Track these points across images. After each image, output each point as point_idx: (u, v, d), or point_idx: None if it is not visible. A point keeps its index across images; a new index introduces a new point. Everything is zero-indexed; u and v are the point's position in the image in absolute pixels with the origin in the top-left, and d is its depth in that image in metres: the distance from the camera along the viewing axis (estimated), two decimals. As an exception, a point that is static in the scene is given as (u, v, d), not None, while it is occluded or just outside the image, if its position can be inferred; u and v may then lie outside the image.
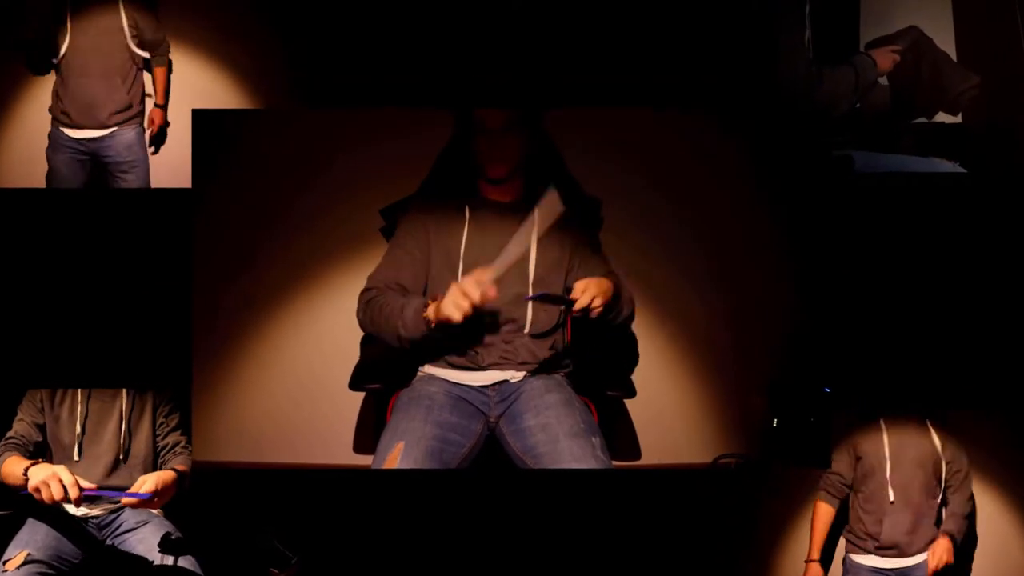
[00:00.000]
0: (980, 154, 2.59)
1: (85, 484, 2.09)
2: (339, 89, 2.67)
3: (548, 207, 2.23)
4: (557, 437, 2.20)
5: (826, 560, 2.61)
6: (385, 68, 2.66)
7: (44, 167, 2.79)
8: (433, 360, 2.39)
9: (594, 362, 2.47)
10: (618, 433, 2.91)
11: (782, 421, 2.81)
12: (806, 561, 2.58)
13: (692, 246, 3.04)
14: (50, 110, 2.79)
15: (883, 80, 2.57)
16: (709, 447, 2.98)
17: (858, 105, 2.56)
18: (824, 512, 2.59)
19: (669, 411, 3.03)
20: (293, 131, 2.92)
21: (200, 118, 2.67)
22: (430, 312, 2.19)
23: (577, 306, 2.16)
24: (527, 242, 2.25)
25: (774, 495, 2.68)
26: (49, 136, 2.79)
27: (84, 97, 2.76)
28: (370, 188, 2.80)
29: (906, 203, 2.56)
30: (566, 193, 2.57)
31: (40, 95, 2.78)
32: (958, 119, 2.61)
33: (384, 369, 2.41)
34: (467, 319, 2.11)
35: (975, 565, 2.62)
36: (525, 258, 2.38)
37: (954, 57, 2.61)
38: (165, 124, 2.83)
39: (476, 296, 2.09)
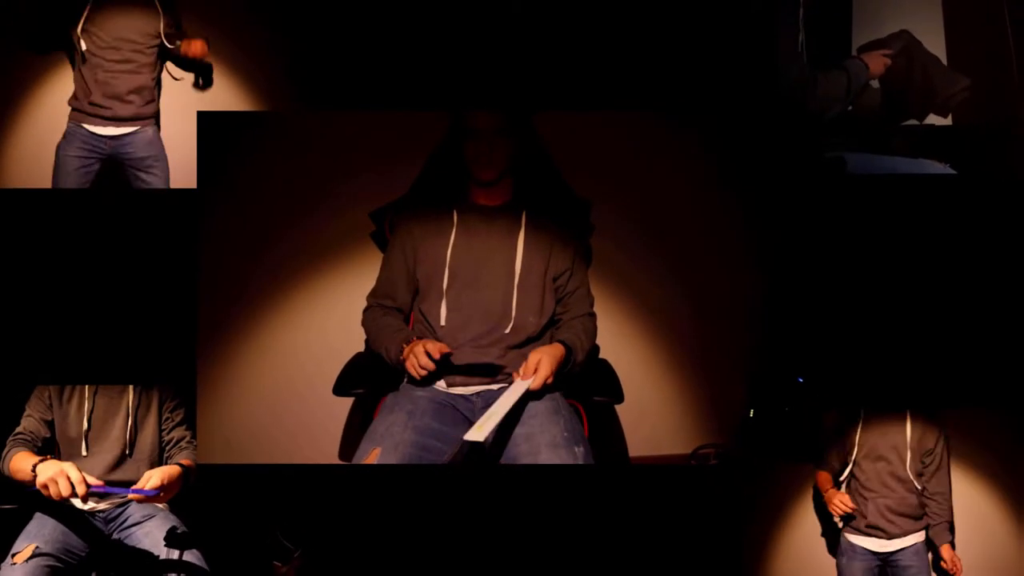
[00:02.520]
0: (970, 156, 2.61)
1: (92, 481, 2.11)
2: (343, 92, 2.68)
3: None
4: (538, 448, 2.20)
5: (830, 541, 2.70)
6: (390, 71, 2.67)
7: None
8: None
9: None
10: (606, 439, 2.93)
11: (758, 412, 2.84)
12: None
13: (682, 246, 3.06)
14: (70, 103, 2.75)
15: (875, 83, 2.59)
16: (689, 439, 3.01)
17: (850, 108, 2.58)
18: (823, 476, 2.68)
19: (651, 404, 3.05)
20: (298, 133, 2.92)
21: (205, 120, 2.69)
22: (404, 354, 2.34)
23: (532, 387, 2.26)
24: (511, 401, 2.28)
25: (762, 492, 2.72)
26: (66, 131, 2.75)
27: (113, 86, 2.72)
28: (375, 190, 2.81)
29: (897, 204, 2.57)
30: (555, 195, 2.60)
31: (51, 94, 2.77)
32: (948, 121, 2.62)
33: (370, 373, 2.45)
34: (431, 373, 2.30)
35: (971, 564, 2.65)
36: (511, 261, 2.43)
37: (944, 60, 2.62)
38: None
39: (428, 364, 2.28)
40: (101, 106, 2.73)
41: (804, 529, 2.72)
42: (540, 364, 2.28)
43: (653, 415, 3.07)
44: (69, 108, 2.75)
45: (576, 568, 2.57)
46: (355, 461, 2.22)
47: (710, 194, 3.04)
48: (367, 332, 2.52)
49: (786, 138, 2.70)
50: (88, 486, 2.09)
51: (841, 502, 2.60)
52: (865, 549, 2.62)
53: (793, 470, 2.72)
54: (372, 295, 2.56)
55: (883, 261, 2.58)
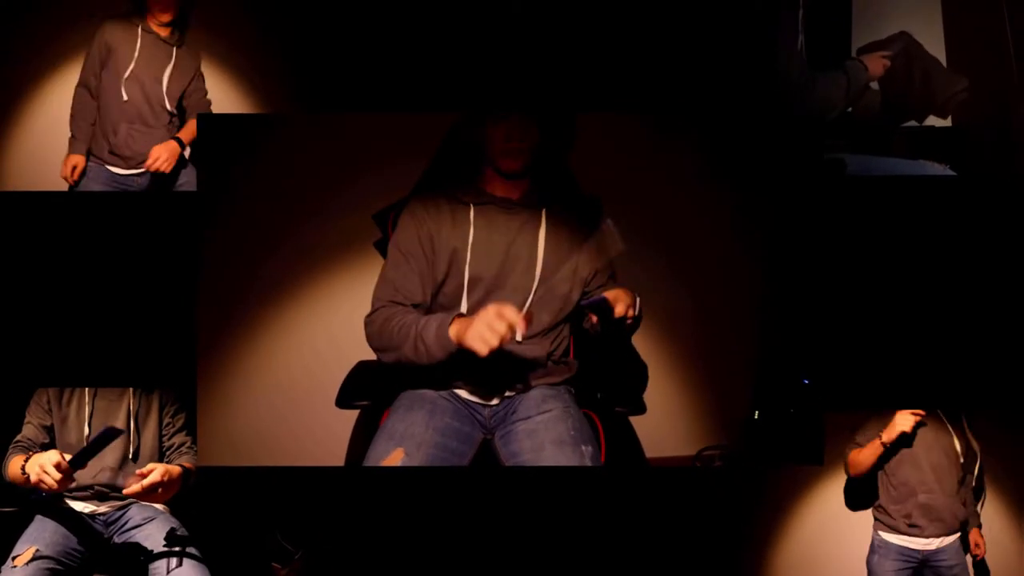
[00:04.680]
0: (969, 157, 2.62)
1: (67, 457, 2.09)
2: (344, 94, 2.67)
3: (606, 241, 2.08)
4: (542, 444, 2.15)
5: (858, 537, 2.71)
6: (390, 73, 2.65)
7: (54, 169, 2.76)
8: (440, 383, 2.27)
9: (598, 374, 2.40)
10: (624, 448, 2.91)
11: (763, 413, 2.85)
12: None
13: (684, 248, 3.07)
14: (90, 149, 2.74)
15: (874, 85, 2.59)
16: (694, 440, 3.01)
17: (850, 109, 2.58)
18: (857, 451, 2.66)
19: (655, 406, 3.03)
20: (299, 136, 2.92)
21: (205, 122, 2.69)
22: (453, 332, 2.07)
23: (616, 314, 2.05)
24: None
25: (765, 494, 2.72)
26: (86, 171, 2.74)
27: (131, 144, 2.71)
28: (376, 193, 2.73)
29: (897, 205, 2.58)
30: (567, 191, 2.53)
31: (48, 99, 2.77)
32: (948, 123, 2.63)
33: (374, 383, 2.36)
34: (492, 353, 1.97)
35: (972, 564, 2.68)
36: (533, 262, 2.29)
37: (944, 62, 2.62)
38: (181, 159, 2.73)
39: (504, 330, 1.95)
40: (119, 156, 2.72)
41: (808, 530, 2.73)
42: (617, 296, 2.06)
43: (658, 417, 3.06)
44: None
45: (580, 569, 2.57)
46: (372, 462, 2.14)
47: (712, 196, 3.05)
48: (381, 335, 2.21)
49: (786, 140, 2.71)
50: (65, 465, 2.07)
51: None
52: (903, 547, 2.62)
53: (798, 471, 2.72)
54: (383, 295, 2.27)
55: (884, 262, 2.58)
